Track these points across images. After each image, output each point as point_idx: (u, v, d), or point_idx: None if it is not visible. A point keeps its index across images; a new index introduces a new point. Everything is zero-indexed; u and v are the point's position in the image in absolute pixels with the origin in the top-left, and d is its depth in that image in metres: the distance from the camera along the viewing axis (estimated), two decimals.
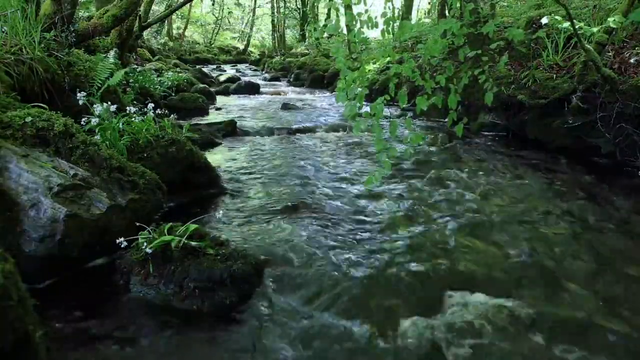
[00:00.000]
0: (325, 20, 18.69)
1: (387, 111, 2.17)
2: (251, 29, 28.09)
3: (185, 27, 23.15)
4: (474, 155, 4.42)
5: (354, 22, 2.05)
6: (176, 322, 1.75)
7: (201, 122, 5.59)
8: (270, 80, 13.88)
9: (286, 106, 7.60)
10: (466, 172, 3.79)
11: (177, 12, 19.26)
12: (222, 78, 11.92)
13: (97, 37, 5.78)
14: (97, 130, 2.79)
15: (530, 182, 3.52)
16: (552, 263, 2.25)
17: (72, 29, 4.14)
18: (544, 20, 4.31)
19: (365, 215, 2.85)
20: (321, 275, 2.11)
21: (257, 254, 2.18)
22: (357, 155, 4.44)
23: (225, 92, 9.71)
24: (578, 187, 3.43)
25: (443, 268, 2.18)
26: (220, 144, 4.86)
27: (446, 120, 2.28)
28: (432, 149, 4.70)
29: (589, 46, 3.96)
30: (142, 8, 6.97)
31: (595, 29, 4.07)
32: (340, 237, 2.52)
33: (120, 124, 3.02)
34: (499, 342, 1.66)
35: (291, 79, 13.42)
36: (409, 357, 1.60)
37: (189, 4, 15.28)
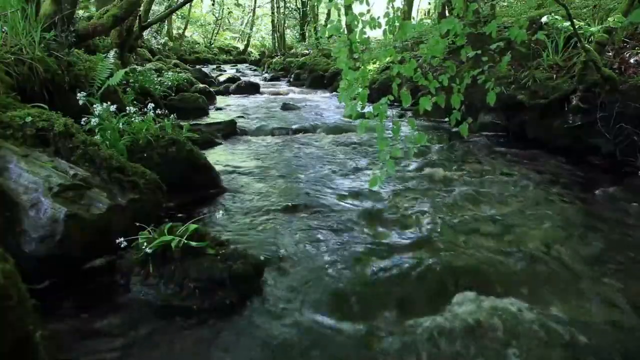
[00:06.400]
0: (326, 20, 18.70)
1: (388, 111, 2.16)
2: (251, 29, 28.08)
3: (185, 27, 23.11)
4: (474, 155, 4.41)
5: (356, 23, 2.05)
6: (176, 322, 1.75)
7: (201, 122, 5.58)
8: (270, 80, 13.88)
9: (286, 106, 7.59)
10: (466, 172, 3.79)
11: (177, 12, 19.24)
12: (222, 78, 11.91)
13: (97, 37, 5.78)
14: (97, 130, 2.78)
15: (530, 183, 3.51)
16: (553, 262, 2.25)
17: (72, 29, 4.14)
18: (544, 20, 4.31)
19: (366, 215, 2.84)
20: (321, 275, 2.10)
21: (257, 254, 2.18)
22: (357, 155, 4.44)
23: (225, 92, 9.70)
24: (578, 187, 3.43)
25: (444, 267, 2.18)
26: (220, 144, 4.85)
27: (446, 120, 2.28)
28: (432, 148, 4.69)
29: (589, 46, 3.96)
30: (142, 8, 6.95)
31: (595, 29, 4.07)
32: (340, 237, 2.51)
33: (120, 124, 3.02)
34: (500, 342, 1.66)
35: (291, 79, 13.42)
36: (411, 357, 1.60)
37: (189, 4, 15.28)
